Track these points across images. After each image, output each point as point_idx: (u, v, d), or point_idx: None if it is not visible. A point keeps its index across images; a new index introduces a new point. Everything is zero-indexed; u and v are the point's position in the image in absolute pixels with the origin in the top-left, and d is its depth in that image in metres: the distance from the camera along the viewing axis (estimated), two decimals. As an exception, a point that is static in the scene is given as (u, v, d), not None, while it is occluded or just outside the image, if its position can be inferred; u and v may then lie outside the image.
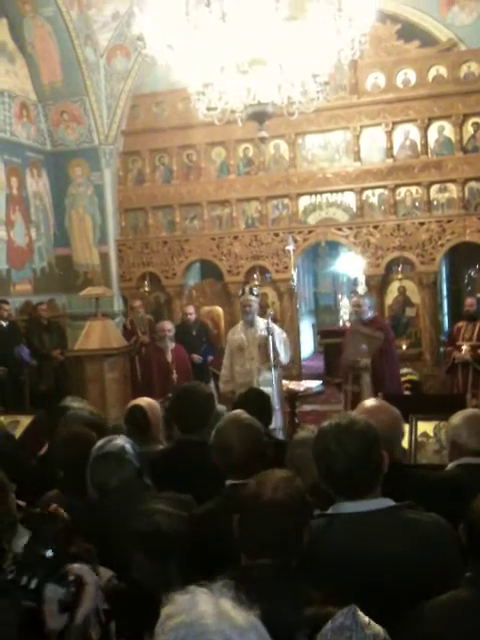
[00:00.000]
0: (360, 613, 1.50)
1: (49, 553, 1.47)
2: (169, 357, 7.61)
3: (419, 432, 4.45)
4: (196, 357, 8.50)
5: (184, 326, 8.85)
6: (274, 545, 1.88)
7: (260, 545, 1.89)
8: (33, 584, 1.39)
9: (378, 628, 1.49)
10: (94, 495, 2.82)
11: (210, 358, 8.83)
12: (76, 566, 1.54)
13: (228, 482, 2.56)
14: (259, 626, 1.24)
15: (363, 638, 1.44)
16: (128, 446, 2.91)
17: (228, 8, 5.40)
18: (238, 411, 2.87)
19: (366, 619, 1.49)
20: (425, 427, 4.47)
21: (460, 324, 8.15)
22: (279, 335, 7.06)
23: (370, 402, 2.85)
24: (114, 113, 10.50)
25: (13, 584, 1.37)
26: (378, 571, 1.92)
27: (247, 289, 7.40)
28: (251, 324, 7.07)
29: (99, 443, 2.95)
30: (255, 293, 7.31)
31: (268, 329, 6.81)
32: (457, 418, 2.98)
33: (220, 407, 6.95)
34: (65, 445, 3.16)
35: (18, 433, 5.20)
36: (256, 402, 3.63)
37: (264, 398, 3.93)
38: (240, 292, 7.56)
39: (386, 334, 7.01)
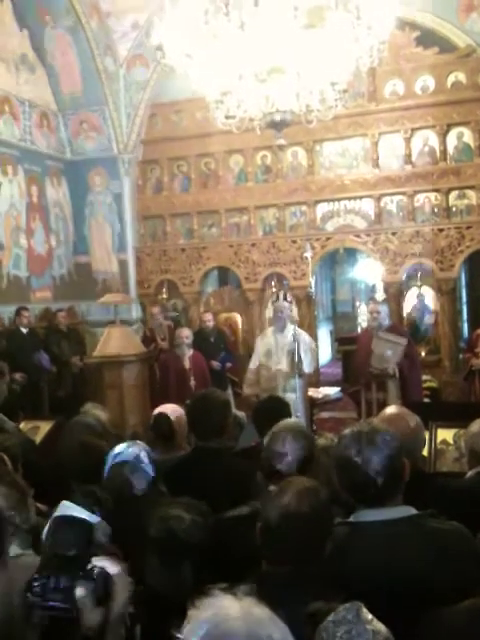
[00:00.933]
0: (364, 609, 1.50)
1: (72, 552, 1.48)
2: (187, 364, 7.61)
3: (439, 440, 4.42)
4: (215, 364, 8.50)
5: (202, 333, 8.87)
6: (295, 554, 1.88)
7: (281, 553, 1.89)
8: (62, 583, 1.40)
9: (381, 626, 1.49)
10: (109, 503, 2.83)
11: (228, 365, 8.83)
12: (100, 559, 1.56)
13: (272, 488, 2.58)
14: (281, 624, 1.28)
15: (363, 632, 1.44)
16: (143, 454, 2.92)
17: (247, 17, 5.43)
18: (294, 420, 2.90)
19: (369, 616, 1.49)
20: (445, 434, 4.44)
21: (479, 330, 8.09)
22: (308, 344, 7.08)
23: (391, 409, 2.84)
24: (133, 122, 10.58)
25: (43, 587, 1.38)
26: (399, 579, 1.92)
27: (281, 295, 7.43)
28: (282, 330, 7.09)
29: (116, 450, 2.97)
30: (289, 299, 7.37)
31: (294, 335, 6.83)
32: (476, 426, 2.95)
33: (239, 413, 6.97)
34: (76, 456, 3.17)
35: (38, 439, 5.25)
36: (275, 409, 3.63)
37: (283, 406, 3.93)
38: (274, 298, 7.61)
39: (408, 339, 6.95)
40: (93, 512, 2.46)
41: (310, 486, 2.01)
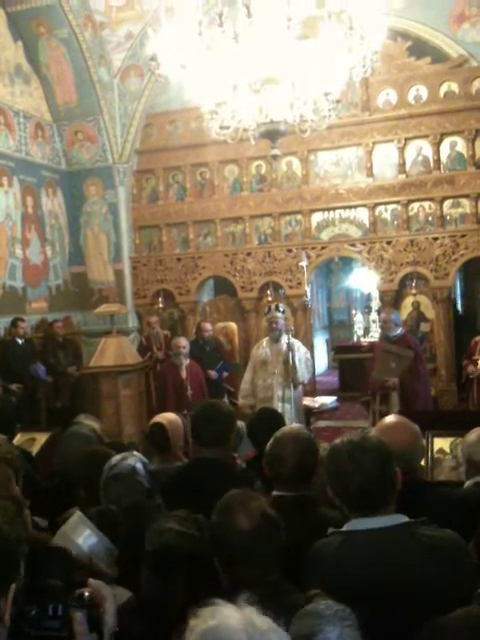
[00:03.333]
0: (347, 611, 1.50)
1: (56, 582, 1.48)
2: (184, 374, 7.60)
3: (435, 448, 4.42)
4: (212, 373, 8.49)
5: (199, 342, 8.84)
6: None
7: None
8: (60, 611, 1.39)
9: (356, 637, 1.48)
10: (123, 525, 2.80)
11: (225, 374, 8.82)
12: (91, 582, 1.55)
13: (274, 493, 2.58)
14: (283, 634, 1.28)
15: (331, 631, 1.44)
16: (139, 466, 2.90)
17: (241, 28, 5.45)
18: (297, 426, 2.90)
19: (348, 622, 1.49)
20: (441, 443, 4.44)
21: (478, 338, 8.08)
22: (303, 354, 7.07)
23: (389, 419, 2.84)
24: (128, 132, 10.62)
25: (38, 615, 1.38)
26: (391, 587, 1.92)
27: (273, 306, 7.41)
28: (277, 340, 7.09)
29: (111, 462, 2.95)
30: (282, 310, 7.34)
31: (288, 345, 6.82)
32: (473, 435, 2.95)
33: (239, 423, 6.95)
34: (84, 463, 3.16)
35: (34, 450, 5.23)
36: (269, 421, 3.64)
37: (276, 417, 3.93)
38: (267, 309, 7.58)
39: (416, 352, 6.80)
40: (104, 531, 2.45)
41: (243, 499, 2.04)
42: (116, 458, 2.98)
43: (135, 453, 3.08)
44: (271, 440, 2.80)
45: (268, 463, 2.73)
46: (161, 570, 2.10)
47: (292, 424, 2.98)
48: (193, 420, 3.38)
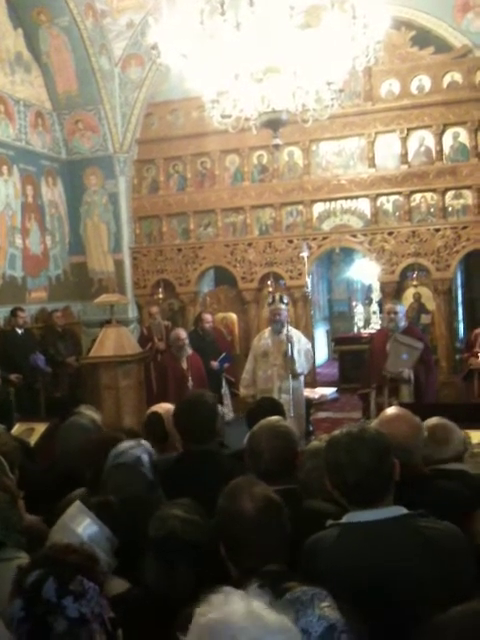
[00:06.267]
0: (322, 595, 1.49)
1: None
2: (185, 365, 7.60)
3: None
4: (215, 364, 8.49)
5: (198, 333, 8.84)
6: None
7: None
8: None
9: (332, 615, 1.47)
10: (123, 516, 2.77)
11: (226, 365, 8.82)
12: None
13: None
14: (292, 629, 1.22)
15: (309, 616, 1.43)
16: (145, 457, 2.85)
17: (243, 17, 5.41)
18: (275, 418, 2.88)
19: (324, 602, 1.48)
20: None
21: (478, 331, 8.07)
22: (303, 345, 7.04)
23: (391, 411, 2.82)
24: (128, 122, 10.57)
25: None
26: (389, 579, 1.92)
27: (277, 297, 7.37)
28: (279, 332, 7.05)
29: (118, 449, 2.89)
30: (285, 301, 7.31)
31: (287, 336, 6.80)
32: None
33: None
34: (95, 448, 3.12)
35: (33, 440, 5.22)
36: (268, 410, 3.61)
37: (276, 406, 3.92)
38: (270, 300, 7.54)
39: (425, 343, 6.79)
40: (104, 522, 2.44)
41: (246, 485, 2.05)
42: (123, 446, 2.92)
43: (143, 443, 3.01)
44: (248, 434, 2.78)
45: (247, 458, 2.70)
46: (165, 557, 2.09)
47: (272, 417, 2.92)
48: (176, 418, 3.34)
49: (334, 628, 1.46)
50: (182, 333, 7.78)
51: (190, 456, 3.22)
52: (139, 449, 2.90)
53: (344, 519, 2.07)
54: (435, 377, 7.11)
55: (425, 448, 2.73)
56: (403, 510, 2.03)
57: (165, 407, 3.90)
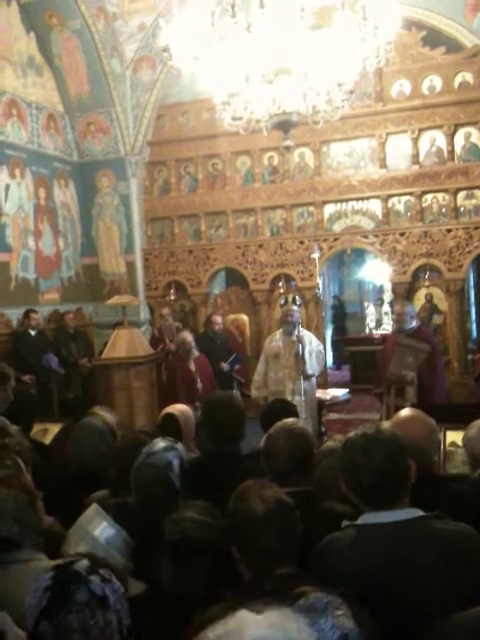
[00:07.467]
0: (338, 602, 1.49)
1: None
2: (193, 367, 7.60)
3: (448, 441, 4.39)
4: (225, 366, 8.49)
5: (208, 335, 8.83)
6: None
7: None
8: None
9: (347, 623, 1.48)
10: (134, 501, 2.71)
11: (236, 367, 8.81)
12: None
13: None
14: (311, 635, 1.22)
15: (322, 624, 1.43)
16: (176, 463, 2.74)
17: (253, 19, 5.42)
18: (291, 420, 2.88)
19: (340, 611, 1.49)
20: (454, 436, 4.40)
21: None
22: (315, 346, 7.00)
23: (405, 412, 2.81)
24: (140, 123, 10.61)
25: None
26: (404, 581, 1.91)
27: (290, 298, 7.34)
28: (290, 333, 7.01)
29: (151, 448, 2.78)
30: (298, 302, 7.29)
31: (298, 337, 6.78)
32: (473, 430, 2.94)
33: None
34: (123, 449, 3.11)
35: (47, 441, 5.26)
36: (282, 412, 3.60)
37: (290, 408, 3.92)
38: (282, 301, 7.51)
39: (432, 345, 6.65)
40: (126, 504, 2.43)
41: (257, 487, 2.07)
42: (159, 445, 2.80)
43: (178, 447, 2.87)
44: (265, 436, 2.79)
45: (264, 459, 2.72)
46: (180, 559, 2.10)
47: (289, 418, 2.91)
48: (204, 420, 3.33)
49: (347, 638, 1.47)
50: (188, 336, 7.75)
51: (216, 457, 3.21)
52: (172, 453, 2.79)
53: (360, 520, 2.07)
54: (443, 379, 6.98)
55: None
56: (419, 512, 2.03)
57: (179, 408, 3.91)
